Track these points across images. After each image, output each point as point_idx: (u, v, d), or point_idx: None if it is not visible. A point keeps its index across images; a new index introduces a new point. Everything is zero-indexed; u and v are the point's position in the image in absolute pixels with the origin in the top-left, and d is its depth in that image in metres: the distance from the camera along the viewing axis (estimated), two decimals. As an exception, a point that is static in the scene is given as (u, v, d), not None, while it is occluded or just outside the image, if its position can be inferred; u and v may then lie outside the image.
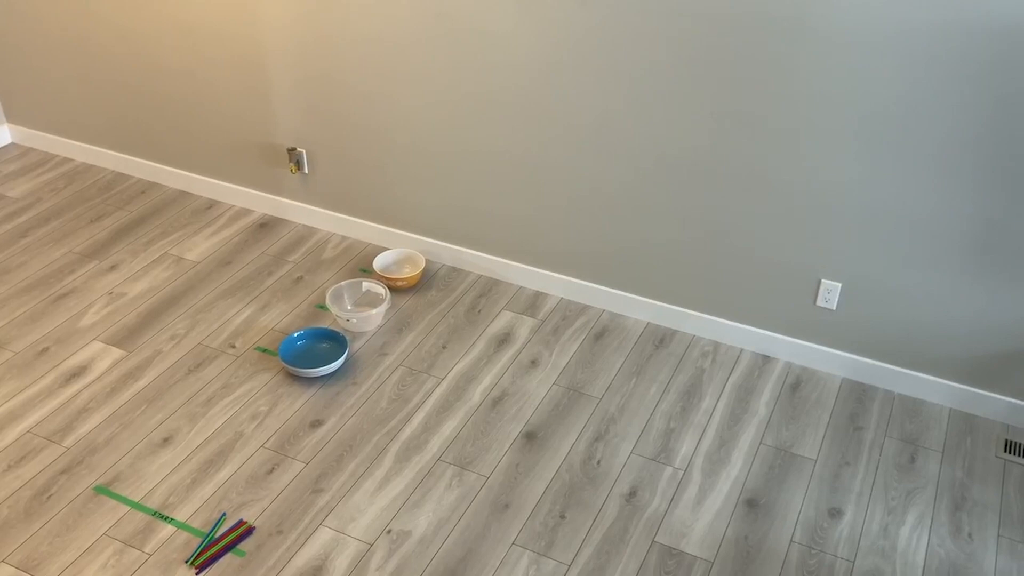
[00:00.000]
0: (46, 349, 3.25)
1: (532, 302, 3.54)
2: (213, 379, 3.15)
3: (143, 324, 3.39)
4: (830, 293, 3.08)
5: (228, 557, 2.55)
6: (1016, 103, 2.57)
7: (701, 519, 2.70)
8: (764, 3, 2.71)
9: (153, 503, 2.69)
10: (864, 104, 2.74)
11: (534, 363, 3.25)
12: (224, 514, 2.65)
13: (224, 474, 2.80)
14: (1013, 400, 3.00)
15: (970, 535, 2.67)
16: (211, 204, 4.08)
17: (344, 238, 3.88)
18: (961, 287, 2.90)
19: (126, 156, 4.24)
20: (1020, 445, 2.96)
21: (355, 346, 3.31)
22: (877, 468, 2.87)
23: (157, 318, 3.41)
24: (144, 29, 3.81)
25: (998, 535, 2.67)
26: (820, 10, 2.66)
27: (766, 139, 2.92)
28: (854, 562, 2.59)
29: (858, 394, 3.14)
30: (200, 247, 3.81)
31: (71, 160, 4.40)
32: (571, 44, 3.04)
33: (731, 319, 3.30)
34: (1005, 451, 2.94)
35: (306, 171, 3.82)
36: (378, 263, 3.62)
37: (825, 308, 3.12)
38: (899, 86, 2.68)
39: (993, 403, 3.03)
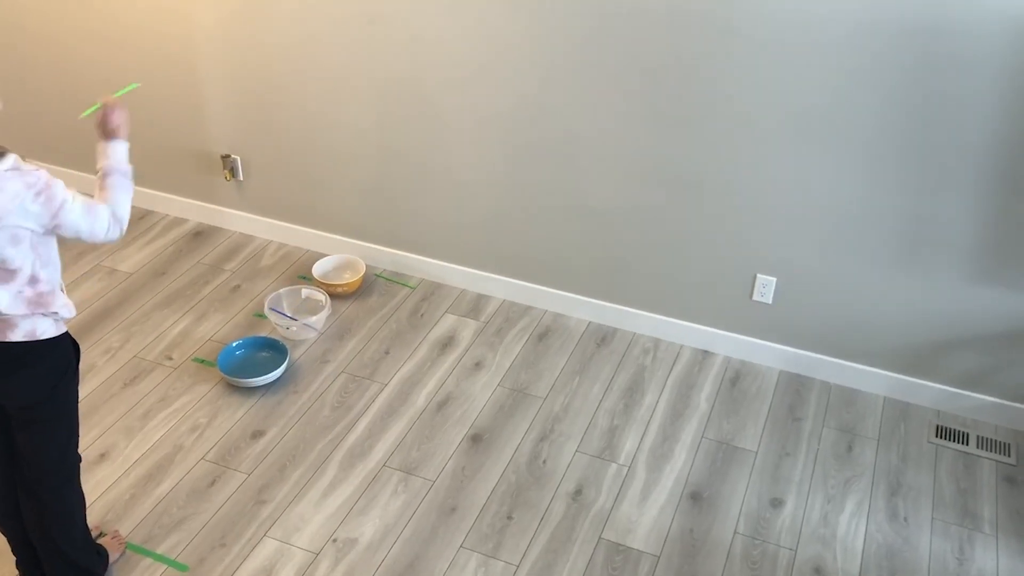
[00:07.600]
0: (-27, 367, 3.14)
1: (475, 304, 3.54)
2: (150, 392, 3.08)
3: (76, 338, 3.29)
4: (765, 287, 3.14)
5: (169, 571, 2.50)
6: (940, 100, 2.65)
7: (646, 514, 2.73)
8: (693, 3, 2.76)
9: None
10: (794, 102, 2.80)
11: (478, 365, 3.25)
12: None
13: (164, 488, 2.74)
14: (943, 387, 3.10)
15: (906, 519, 2.75)
16: (144, 214, 3.99)
17: (282, 245, 3.83)
18: (891, 279, 2.98)
19: (54, 167, 4.12)
20: (950, 430, 3.05)
21: (296, 354, 3.27)
22: (816, 458, 2.93)
23: (90, 332, 3.33)
24: (69, 36, 3.71)
25: (932, 518, 2.75)
26: (749, 10, 2.71)
27: (700, 138, 2.96)
28: (796, 550, 2.64)
29: (796, 386, 3.21)
30: (133, 258, 3.73)
31: (-5, 172, 4.26)
32: (503, 47, 3.05)
33: (671, 316, 3.35)
34: (937, 436, 3.02)
35: (241, 178, 3.76)
36: (317, 269, 3.58)
37: (761, 303, 3.18)
38: (828, 83, 2.74)
39: (925, 390, 3.12)
